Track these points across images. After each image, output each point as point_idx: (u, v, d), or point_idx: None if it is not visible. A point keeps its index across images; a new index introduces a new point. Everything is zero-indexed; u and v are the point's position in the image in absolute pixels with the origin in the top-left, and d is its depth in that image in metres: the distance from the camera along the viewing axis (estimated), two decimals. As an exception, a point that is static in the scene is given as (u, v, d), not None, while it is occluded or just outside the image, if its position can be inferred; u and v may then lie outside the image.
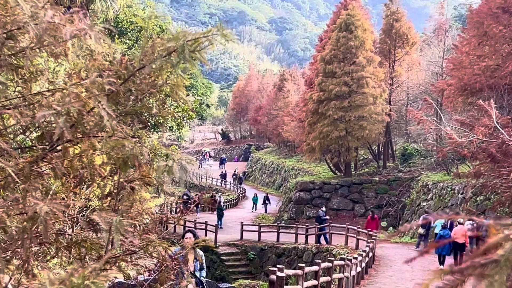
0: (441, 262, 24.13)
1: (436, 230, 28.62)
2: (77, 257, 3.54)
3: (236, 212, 53.69)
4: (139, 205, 3.38)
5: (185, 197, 45.99)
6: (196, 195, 39.00)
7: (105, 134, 3.00)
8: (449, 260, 24.12)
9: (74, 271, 2.46)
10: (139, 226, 3.58)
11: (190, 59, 3.12)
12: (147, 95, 3.22)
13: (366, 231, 28.95)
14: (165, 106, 3.41)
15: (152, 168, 3.30)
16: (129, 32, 36.54)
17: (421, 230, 29.55)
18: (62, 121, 2.90)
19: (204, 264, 10.15)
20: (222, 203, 46.99)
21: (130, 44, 35.06)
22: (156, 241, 3.51)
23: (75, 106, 2.90)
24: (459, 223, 24.43)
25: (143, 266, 3.84)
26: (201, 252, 10.10)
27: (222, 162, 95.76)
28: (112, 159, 3.12)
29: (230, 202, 59.25)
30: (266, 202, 55.02)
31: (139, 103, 3.20)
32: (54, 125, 3.05)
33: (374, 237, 27.37)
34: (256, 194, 59.64)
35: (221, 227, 41.53)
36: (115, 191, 3.37)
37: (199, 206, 55.90)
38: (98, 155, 3.25)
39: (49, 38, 3.04)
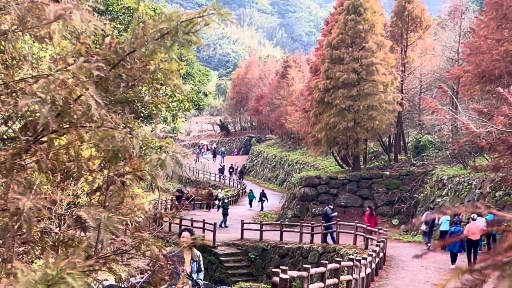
0: (453, 260, 24.26)
1: (442, 228, 28.95)
2: (64, 257, 3.53)
3: (236, 209, 53.71)
4: (131, 201, 3.36)
5: (177, 193, 46.08)
6: (189, 191, 39.07)
7: (93, 125, 2.98)
8: (461, 258, 24.29)
9: (50, 263, 2.45)
10: (131, 223, 3.57)
11: (184, 41, 3.09)
12: (139, 81, 3.19)
13: (376, 229, 28.96)
14: (158, 94, 3.39)
15: (145, 161, 3.28)
16: (121, 16, 36.45)
17: (423, 227, 29.76)
18: (47, 110, 2.88)
19: (202, 266, 10.14)
20: (225, 200, 46.86)
21: (121, 29, 34.98)
22: (149, 240, 3.50)
23: (61, 93, 2.88)
24: (473, 219, 24.57)
25: (136, 268, 3.83)
26: (198, 253, 10.09)
27: (215, 154, 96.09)
28: (101, 152, 3.10)
29: (229, 199, 59.31)
30: (263, 199, 54.71)
31: (130, 90, 3.18)
32: (38, 114, 3.04)
33: (385, 236, 27.39)
34: (251, 190, 59.65)
35: (226, 226, 41.49)
36: (104, 186, 3.35)
37: (194, 203, 56.00)
38: (86, 148, 3.23)
39: (32, 19, 3.02)
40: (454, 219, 25.67)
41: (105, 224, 3.02)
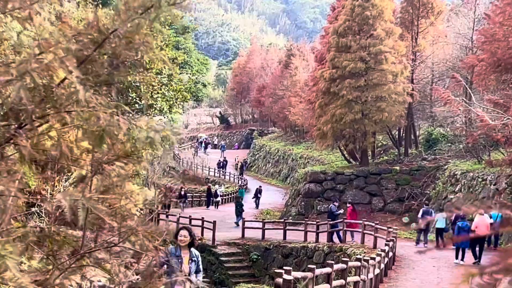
0: (458, 256, 24.85)
1: (438, 225, 29.53)
2: (50, 253, 3.49)
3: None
4: (118, 189, 3.32)
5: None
6: (181, 187, 38.81)
7: (78, 108, 2.94)
8: (468, 253, 24.77)
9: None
10: (120, 213, 3.52)
11: (169, 10, 3.05)
12: (124, 59, 3.15)
13: (385, 228, 28.95)
14: (148, 75, 3.34)
15: (131, 143, 3.23)
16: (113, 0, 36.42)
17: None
18: (19, 87, 2.83)
19: (201, 266, 10.12)
20: (240, 200, 45.98)
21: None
22: (138, 229, 3.46)
23: (39, 72, 2.84)
24: (480, 214, 25.05)
25: (130, 263, 3.79)
26: (197, 252, 10.07)
27: (206, 146, 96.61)
28: (85, 134, 3.06)
29: (229, 195, 59.37)
30: (259, 195, 54.07)
31: (116, 70, 3.13)
32: (23, 101, 3.00)
33: (394, 235, 27.40)
34: (241, 186, 59.53)
35: (237, 225, 41.04)
36: (89, 175, 3.31)
37: (192, 200, 56.00)
38: (68, 131, 3.19)
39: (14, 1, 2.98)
40: (462, 214, 26.17)
41: (83, 207, 2.99)
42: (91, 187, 3.24)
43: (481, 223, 24.11)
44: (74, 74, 2.87)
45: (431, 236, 31.67)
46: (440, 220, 30.55)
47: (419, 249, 29.37)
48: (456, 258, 25.35)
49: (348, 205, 35.77)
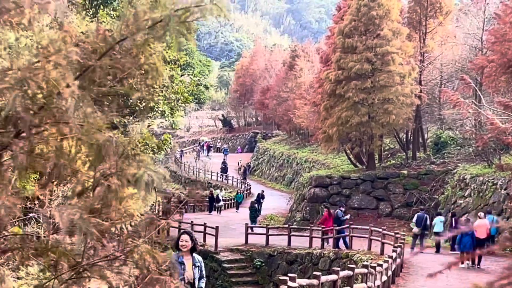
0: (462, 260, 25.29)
1: (436, 229, 30.03)
2: (49, 264, 3.50)
3: (239, 212, 53.80)
4: (118, 205, 3.32)
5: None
6: (181, 192, 38.72)
7: (76, 121, 2.94)
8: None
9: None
10: (123, 229, 3.54)
11: (177, 31, 3.07)
12: (128, 74, 3.16)
13: (393, 233, 28.94)
14: (150, 87, 3.36)
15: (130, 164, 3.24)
16: (114, 0, 36.41)
17: (415, 229, 30.53)
18: (14, 96, 2.85)
19: (204, 272, 10.13)
20: (255, 205, 45.64)
21: (116, 15, 34.98)
22: (142, 246, 3.47)
23: (35, 80, 2.85)
24: (479, 217, 25.71)
25: (131, 275, 3.79)
26: (200, 257, 10.09)
27: (208, 150, 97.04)
28: (85, 147, 3.07)
29: (232, 201, 59.35)
30: (261, 201, 53.47)
31: (119, 84, 3.14)
32: (18, 108, 3.01)
33: (402, 241, 27.39)
34: (239, 191, 59.49)
35: (252, 231, 40.63)
36: (89, 188, 3.32)
37: (195, 205, 56.02)
38: (69, 144, 3.20)
39: (9, 5, 3.00)
40: (466, 218, 27.07)
41: (80, 226, 3.00)
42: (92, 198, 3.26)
43: (481, 226, 24.66)
44: (72, 87, 2.88)
45: (430, 241, 31.97)
46: (437, 224, 30.92)
47: (414, 253, 29.68)
48: (462, 262, 25.52)
49: (324, 209, 35.91)
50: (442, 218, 32.05)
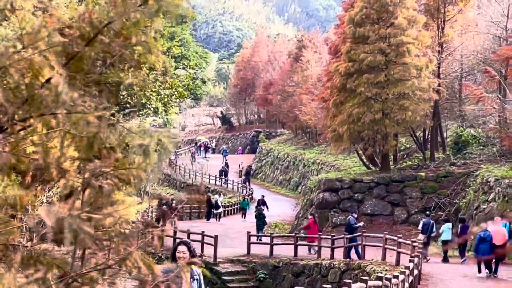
0: (481, 269, 25.69)
1: (444, 237, 30.27)
2: (36, 275, 3.49)
3: (240, 219, 53.75)
4: (110, 208, 3.30)
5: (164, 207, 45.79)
6: (172, 200, 38.65)
7: (64, 111, 2.93)
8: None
9: None
10: (116, 235, 3.52)
11: (171, 6, 3.04)
12: (118, 58, 3.14)
13: (409, 242, 28.93)
14: (143, 75, 3.33)
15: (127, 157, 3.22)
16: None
17: (421, 237, 30.71)
18: None
19: (203, 286, 10.14)
20: (261, 211, 45.40)
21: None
22: (136, 254, 3.45)
23: (20, 70, 2.84)
24: (495, 222, 26.29)
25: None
26: (198, 270, 10.08)
27: (205, 151, 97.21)
28: (74, 141, 3.05)
29: (232, 207, 59.31)
30: (262, 207, 53.07)
31: (108, 70, 3.12)
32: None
33: (420, 250, 27.36)
34: (245, 197, 59.19)
35: (260, 240, 40.41)
36: (79, 189, 3.30)
37: (191, 212, 55.93)
38: (54, 136, 3.18)
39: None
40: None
41: (70, 223, 2.98)
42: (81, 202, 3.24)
43: (497, 233, 24.90)
44: (59, 71, 2.86)
45: (434, 248, 32.38)
46: (446, 231, 31.05)
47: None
48: (479, 271, 25.70)
49: (309, 216, 36.02)
50: (450, 225, 32.18)
